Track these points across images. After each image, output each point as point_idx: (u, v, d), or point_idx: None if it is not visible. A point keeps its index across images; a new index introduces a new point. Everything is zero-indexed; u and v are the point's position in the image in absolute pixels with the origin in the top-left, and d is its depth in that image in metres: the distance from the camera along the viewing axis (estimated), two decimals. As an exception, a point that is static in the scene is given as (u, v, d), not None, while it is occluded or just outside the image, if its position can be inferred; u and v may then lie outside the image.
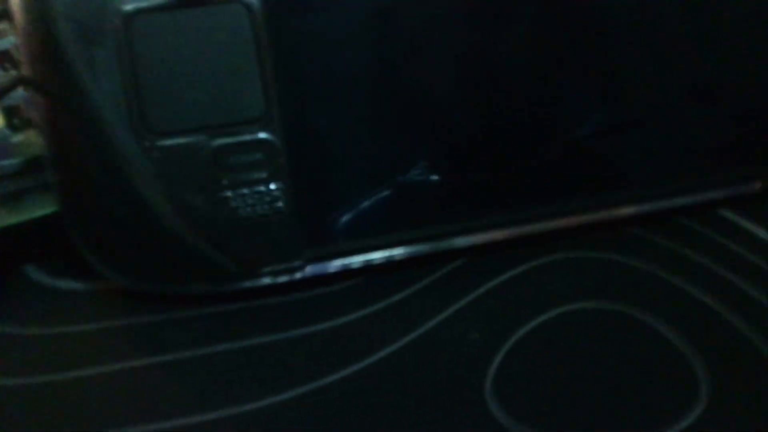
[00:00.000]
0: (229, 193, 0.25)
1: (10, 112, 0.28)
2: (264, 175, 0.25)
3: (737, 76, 0.29)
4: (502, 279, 0.28)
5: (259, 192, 0.25)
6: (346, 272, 0.28)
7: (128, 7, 0.23)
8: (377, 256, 0.28)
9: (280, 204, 0.26)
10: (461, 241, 0.29)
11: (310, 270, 0.27)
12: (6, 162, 0.28)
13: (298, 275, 0.27)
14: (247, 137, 0.25)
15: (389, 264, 0.28)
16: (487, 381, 0.24)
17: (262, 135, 0.25)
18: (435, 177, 0.27)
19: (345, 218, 0.27)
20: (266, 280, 0.27)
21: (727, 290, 0.27)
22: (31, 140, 0.29)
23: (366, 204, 0.27)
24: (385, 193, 0.27)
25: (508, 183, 0.28)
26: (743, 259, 0.29)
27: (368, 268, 0.28)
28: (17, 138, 0.29)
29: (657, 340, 0.25)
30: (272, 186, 0.25)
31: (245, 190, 0.25)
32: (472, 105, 0.27)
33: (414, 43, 0.26)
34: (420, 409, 0.23)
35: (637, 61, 0.28)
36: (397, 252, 0.28)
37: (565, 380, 0.24)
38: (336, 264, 0.27)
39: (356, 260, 0.28)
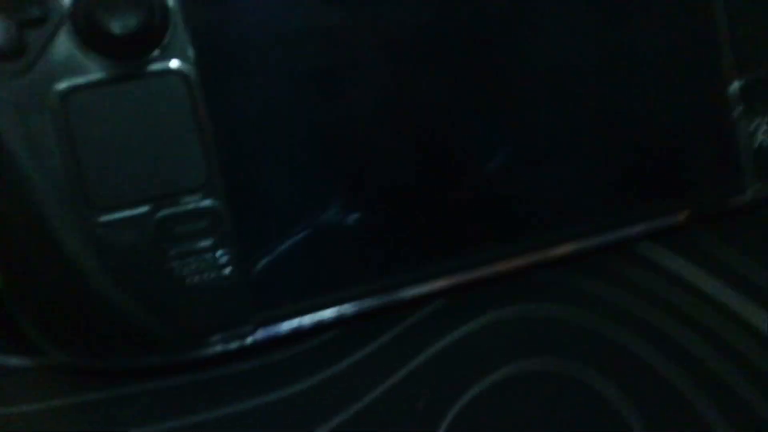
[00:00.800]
0: (174, 263, 0.25)
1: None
2: (210, 242, 0.25)
3: (650, 105, 0.30)
4: (448, 341, 0.28)
5: (206, 260, 0.25)
6: (299, 333, 0.28)
7: (63, 85, 0.23)
8: (327, 314, 0.28)
9: (227, 271, 0.25)
10: (408, 293, 0.29)
11: (260, 334, 0.27)
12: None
13: (248, 340, 0.27)
14: (191, 206, 0.25)
15: (340, 321, 0.28)
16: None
17: (206, 203, 0.25)
18: (373, 229, 0.28)
19: (293, 278, 0.27)
20: (217, 348, 0.26)
21: (658, 337, 0.27)
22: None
23: (311, 262, 0.27)
24: (329, 249, 0.27)
25: (432, 228, 0.29)
26: (668, 299, 0.29)
27: (319, 327, 0.28)
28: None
29: (592, 398, 0.25)
30: (218, 253, 0.25)
31: (191, 259, 0.25)
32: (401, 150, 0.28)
33: (351, 101, 0.27)
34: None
35: (546, 97, 0.29)
36: (347, 308, 0.28)
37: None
38: (287, 326, 0.27)
39: (307, 320, 0.28)
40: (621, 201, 0.31)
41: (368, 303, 0.28)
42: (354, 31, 0.26)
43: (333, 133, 0.27)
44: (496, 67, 0.28)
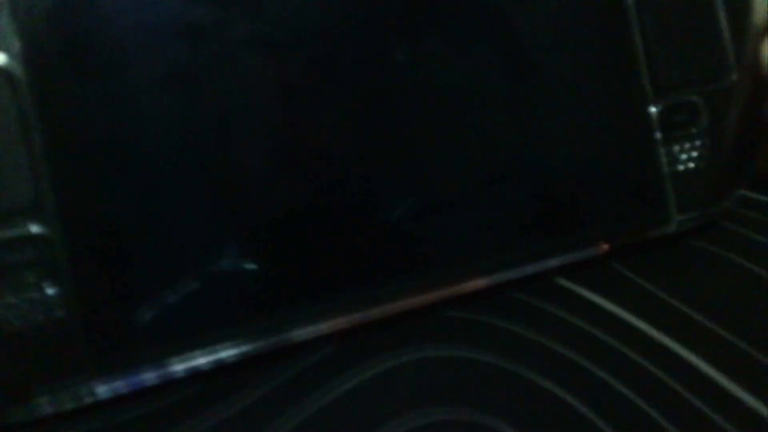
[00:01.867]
0: (-10, 303, 0.20)
1: None
2: (37, 277, 0.20)
3: (566, 133, 0.28)
4: (341, 388, 0.24)
5: (32, 300, 0.20)
6: (153, 387, 0.23)
7: None
8: (200, 361, 0.23)
9: (59, 312, 0.21)
10: (300, 334, 0.24)
11: (102, 390, 0.22)
12: None
13: (87, 399, 0.22)
14: (13, 232, 0.20)
15: (215, 369, 0.24)
16: None
17: (33, 228, 0.20)
18: (249, 263, 0.23)
19: (146, 319, 0.22)
20: (47, 409, 0.21)
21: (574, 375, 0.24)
22: None
23: (172, 299, 0.23)
24: (193, 284, 0.23)
25: (331, 266, 0.25)
26: (588, 335, 0.26)
27: (181, 381, 0.23)
28: None
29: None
30: (49, 291, 0.21)
31: (12, 299, 0.20)
32: (282, 186, 0.24)
33: (219, 115, 0.23)
34: None
35: (446, 139, 0.26)
36: (222, 352, 0.24)
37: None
38: (136, 379, 0.22)
39: (177, 367, 0.23)
40: (535, 234, 0.28)
41: (247, 346, 0.24)
42: (231, 34, 0.23)
43: (199, 153, 0.23)
44: (399, 105, 0.25)
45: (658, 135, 0.29)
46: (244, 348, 0.24)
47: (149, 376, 0.23)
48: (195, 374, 0.23)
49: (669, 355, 0.25)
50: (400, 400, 0.23)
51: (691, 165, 0.29)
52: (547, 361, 0.25)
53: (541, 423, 0.23)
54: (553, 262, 0.28)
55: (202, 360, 0.23)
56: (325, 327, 0.25)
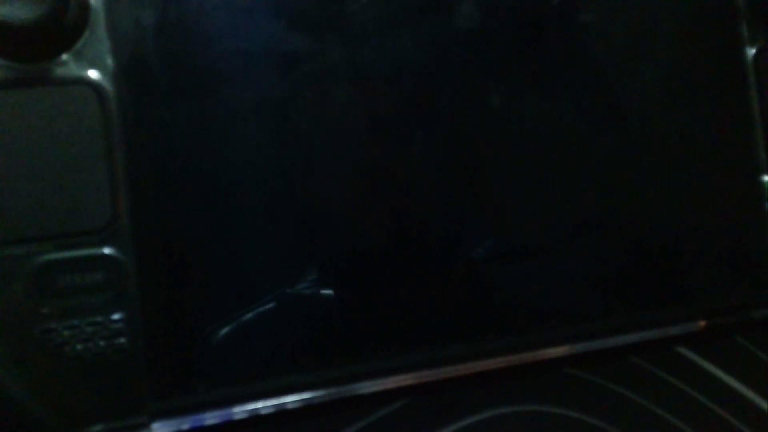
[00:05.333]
0: (53, 325, 0.19)
1: None
2: (103, 301, 0.20)
3: (670, 200, 0.26)
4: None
5: (96, 323, 0.20)
6: (212, 427, 0.22)
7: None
8: (257, 405, 0.22)
9: (122, 339, 0.20)
10: (369, 386, 0.23)
11: (158, 429, 0.21)
12: None
13: (142, 436, 0.20)
14: (85, 252, 0.19)
15: (275, 417, 0.22)
16: None
17: (106, 250, 0.20)
18: (322, 306, 0.22)
19: (210, 358, 0.21)
20: (99, 443, 0.20)
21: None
22: None
23: (238, 339, 0.21)
24: (261, 327, 0.21)
25: (412, 315, 0.23)
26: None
27: (244, 423, 0.22)
28: None
29: None
30: (114, 316, 0.20)
31: (76, 321, 0.19)
32: (365, 222, 0.23)
33: (306, 145, 0.22)
34: None
35: (552, 183, 0.25)
36: (288, 400, 0.22)
37: None
38: (195, 419, 0.21)
39: (234, 411, 0.21)
40: (628, 304, 0.26)
41: (315, 395, 0.22)
42: (325, 65, 0.22)
43: (290, 190, 0.22)
44: (494, 145, 0.24)
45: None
46: (307, 395, 0.22)
47: (209, 416, 0.22)
48: (256, 417, 0.22)
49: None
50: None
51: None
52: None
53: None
54: (648, 336, 0.25)
55: (263, 405, 0.22)
56: (394, 381, 0.23)
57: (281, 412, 0.22)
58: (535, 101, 0.24)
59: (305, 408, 0.23)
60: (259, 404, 0.22)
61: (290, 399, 0.22)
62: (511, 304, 0.24)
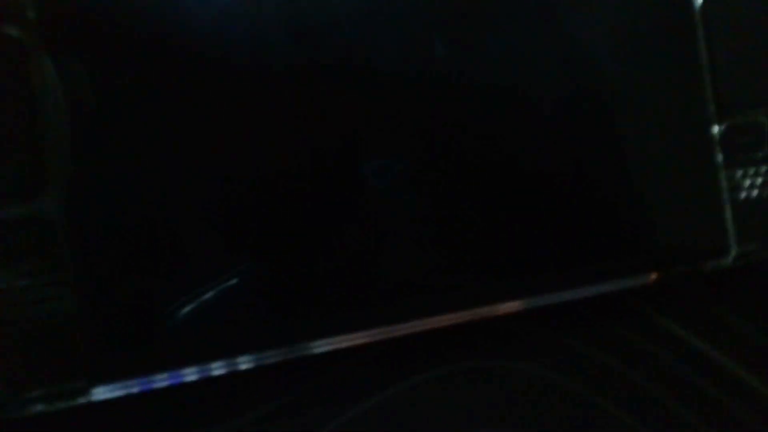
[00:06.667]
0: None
1: None
2: (34, 265, 0.19)
3: (620, 153, 0.26)
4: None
5: (27, 287, 0.19)
6: (154, 395, 0.21)
7: None
8: (214, 368, 0.22)
9: (56, 303, 0.19)
10: (320, 346, 0.23)
11: (99, 392, 0.20)
12: None
13: (80, 400, 0.20)
14: (13, 213, 0.19)
15: (227, 379, 0.22)
16: None
17: (35, 211, 0.19)
18: (267, 271, 0.22)
19: (153, 319, 0.21)
20: (38, 407, 0.20)
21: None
22: None
23: (184, 304, 0.21)
24: (208, 289, 0.21)
25: (354, 278, 0.23)
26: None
27: (195, 385, 0.22)
28: None
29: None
30: (46, 279, 0.19)
31: (4, 285, 0.19)
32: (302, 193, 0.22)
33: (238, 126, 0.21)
34: None
35: (492, 148, 0.25)
36: (243, 361, 0.22)
37: None
38: (137, 383, 0.21)
39: (185, 372, 0.21)
40: (579, 258, 0.26)
41: (267, 356, 0.22)
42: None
43: (222, 159, 0.21)
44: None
45: (720, 158, 0.27)
46: (260, 357, 0.22)
47: (158, 379, 0.21)
48: (208, 379, 0.22)
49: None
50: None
51: (755, 192, 0.27)
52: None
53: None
54: (597, 290, 0.26)
55: (215, 367, 0.22)
56: (345, 340, 0.23)
57: (233, 373, 0.22)
58: (491, 57, 0.24)
59: (259, 368, 0.22)
60: (212, 365, 0.22)
61: (243, 359, 0.22)
62: (462, 260, 0.24)
